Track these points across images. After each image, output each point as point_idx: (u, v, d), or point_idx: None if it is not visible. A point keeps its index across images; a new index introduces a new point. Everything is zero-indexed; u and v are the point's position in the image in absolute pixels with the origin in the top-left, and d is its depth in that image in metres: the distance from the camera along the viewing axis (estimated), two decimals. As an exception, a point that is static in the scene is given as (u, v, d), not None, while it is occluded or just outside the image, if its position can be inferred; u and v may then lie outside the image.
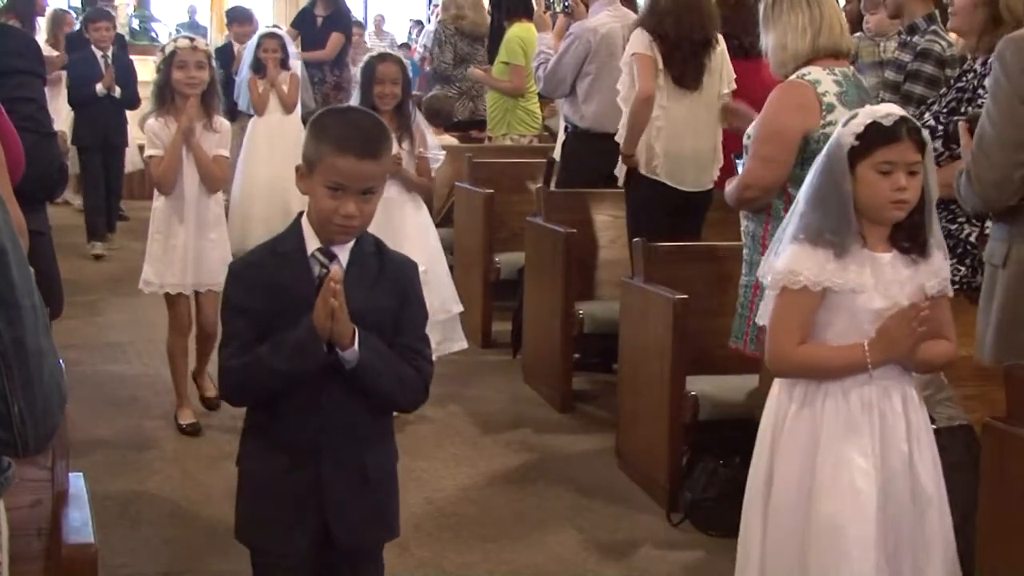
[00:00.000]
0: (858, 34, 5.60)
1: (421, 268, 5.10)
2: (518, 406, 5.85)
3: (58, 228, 6.35)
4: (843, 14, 4.26)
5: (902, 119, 2.84)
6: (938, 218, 3.96)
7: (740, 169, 4.42)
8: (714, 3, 5.56)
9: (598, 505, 4.68)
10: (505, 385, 6.17)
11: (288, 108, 8.49)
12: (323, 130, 2.60)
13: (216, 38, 13.89)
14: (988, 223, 3.91)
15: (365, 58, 5.17)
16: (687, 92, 5.43)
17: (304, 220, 2.67)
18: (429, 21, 17.07)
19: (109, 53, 9.10)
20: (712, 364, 4.60)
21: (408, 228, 5.32)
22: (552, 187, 6.39)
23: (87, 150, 9.31)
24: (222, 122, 5.11)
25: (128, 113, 9.41)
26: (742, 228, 4.31)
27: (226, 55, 10.21)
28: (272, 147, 8.29)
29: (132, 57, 10.00)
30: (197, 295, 5.22)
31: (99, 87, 8.92)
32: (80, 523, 2.55)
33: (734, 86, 5.52)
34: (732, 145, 5.03)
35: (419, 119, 5.38)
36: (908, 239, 2.90)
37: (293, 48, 8.63)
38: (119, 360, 6.47)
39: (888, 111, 2.85)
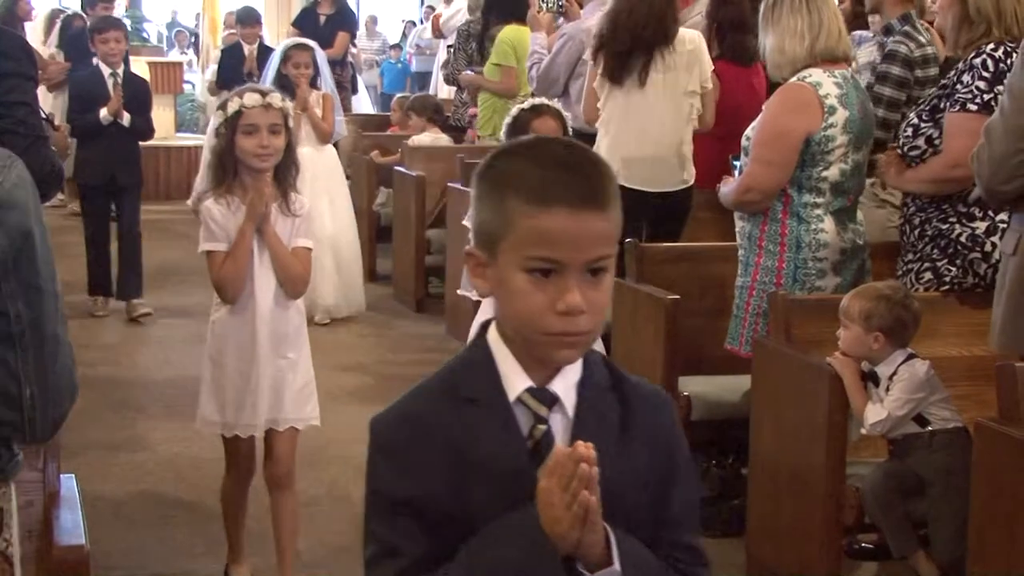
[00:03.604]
0: (859, 32, 5.61)
1: None
2: (511, 407, 5.85)
3: (53, 229, 6.34)
4: (842, 18, 4.26)
5: None
6: (929, 218, 4.02)
7: (737, 171, 4.43)
8: (673, 2, 5.52)
9: (591, 506, 4.67)
10: (498, 386, 6.16)
11: (324, 137, 7.02)
12: (507, 178, 1.61)
13: (208, 39, 13.89)
14: (977, 223, 3.93)
15: (513, 111, 3.94)
16: (636, 90, 5.40)
17: (492, 338, 1.66)
18: (422, 22, 17.07)
19: (120, 71, 7.37)
20: (704, 364, 4.60)
21: None
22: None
23: (90, 191, 7.52)
24: (302, 202, 3.75)
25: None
26: (737, 229, 4.32)
27: (236, 56, 10.18)
28: (307, 189, 6.46)
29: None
30: (268, 433, 3.78)
31: (103, 113, 7.14)
32: (72, 524, 2.55)
33: (709, 85, 5.48)
34: (733, 148, 5.03)
35: None
36: None
37: (325, 63, 7.24)
38: (111, 361, 6.46)
39: None
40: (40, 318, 1.89)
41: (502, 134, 3.93)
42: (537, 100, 4.02)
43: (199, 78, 14.61)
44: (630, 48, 5.36)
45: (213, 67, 11.97)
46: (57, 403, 1.96)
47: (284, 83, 6.44)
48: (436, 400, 1.65)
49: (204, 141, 11.32)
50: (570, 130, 3.91)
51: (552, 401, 1.63)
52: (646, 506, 1.64)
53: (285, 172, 3.72)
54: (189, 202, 3.95)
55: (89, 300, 7.50)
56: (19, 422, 1.93)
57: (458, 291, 4.15)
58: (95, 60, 9.64)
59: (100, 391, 5.92)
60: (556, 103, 4.03)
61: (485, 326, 1.68)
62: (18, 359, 1.89)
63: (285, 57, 6.64)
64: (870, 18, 5.72)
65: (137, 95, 7.39)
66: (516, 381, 1.62)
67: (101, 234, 7.47)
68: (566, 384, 1.63)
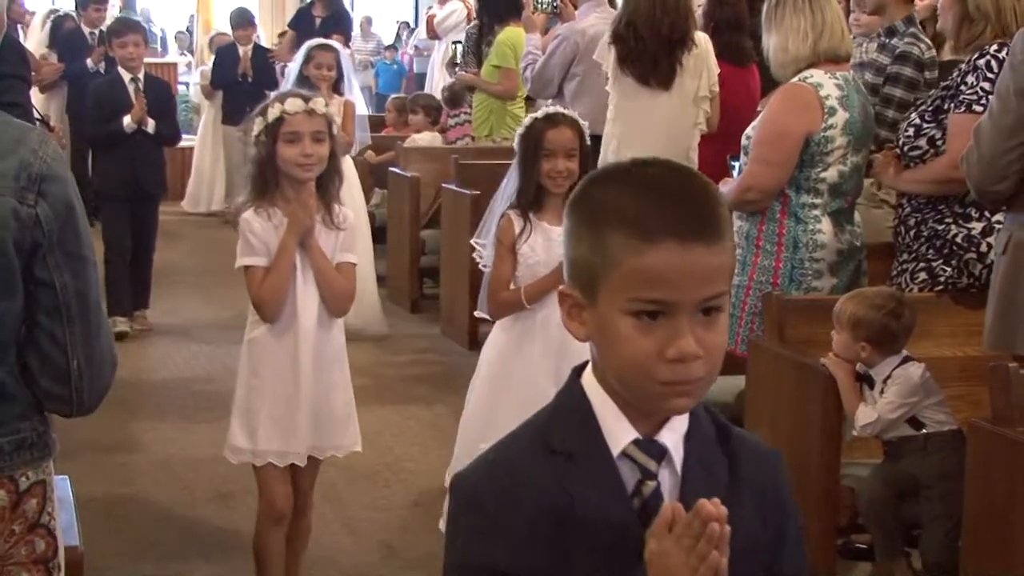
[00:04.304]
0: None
1: None
2: (505, 408, 5.85)
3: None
4: (844, 18, 4.27)
5: None
6: (925, 218, 4.02)
7: (735, 171, 4.43)
8: (689, 1, 5.54)
9: (585, 506, 4.67)
10: (492, 387, 6.15)
11: (343, 148, 6.28)
12: (604, 210, 1.43)
13: (202, 39, 13.88)
14: (973, 224, 3.94)
15: (527, 121, 3.74)
16: (656, 92, 5.41)
17: (589, 385, 1.48)
18: (416, 24, 17.06)
19: (140, 76, 6.90)
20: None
21: (585, 351, 3.35)
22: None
23: (110, 201, 6.97)
24: (346, 214, 3.51)
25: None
26: (735, 228, 4.32)
27: (231, 57, 10.20)
28: None
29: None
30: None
31: (127, 120, 6.72)
32: (65, 526, 2.54)
33: (716, 89, 5.50)
34: (728, 148, 5.04)
35: None
36: None
37: (350, 66, 6.71)
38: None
39: None
40: (85, 288, 1.93)
41: (514, 144, 3.76)
42: (552, 109, 3.81)
43: (192, 79, 14.61)
44: (663, 50, 5.36)
45: (203, 68, 11.95)
46: (101, 373, 1.99)
47: (305, 85, 5.85)
48: (527, 455, 1.46)
49: (196, 142, 11.35)
50: (587, 138, 3.73)
51: (661, 455, 1.45)
52: (756, 568, 1.49)
53: (328, 183, 3.46)
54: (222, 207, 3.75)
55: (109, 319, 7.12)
56: (67, 395, 1.96)
57: (476, 312, 4.00)
58: (88, 62, 9.73)
59: (94, 392, 5.91)
60: (571, 111, 3.82)
61: (578, 371, 1.50)
62: (65, 330, 1.92)
63: (308, 57, 6.20)
64: (851, 18, 5.72)
65: (160, 98, 7.00)
66: (620, 432, 1.44)
67: (121, 248, 6.93)
68: (674, 436, 1.46)
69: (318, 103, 3.42)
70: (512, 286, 3.69)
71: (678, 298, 1.38)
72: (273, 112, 3.36)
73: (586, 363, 1.50)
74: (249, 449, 3.44)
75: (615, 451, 1.44)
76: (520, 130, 3.73)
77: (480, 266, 3.87)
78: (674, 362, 1.38)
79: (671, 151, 5.41)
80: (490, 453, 1.51)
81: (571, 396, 1.48)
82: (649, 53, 5.35)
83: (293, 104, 3.36)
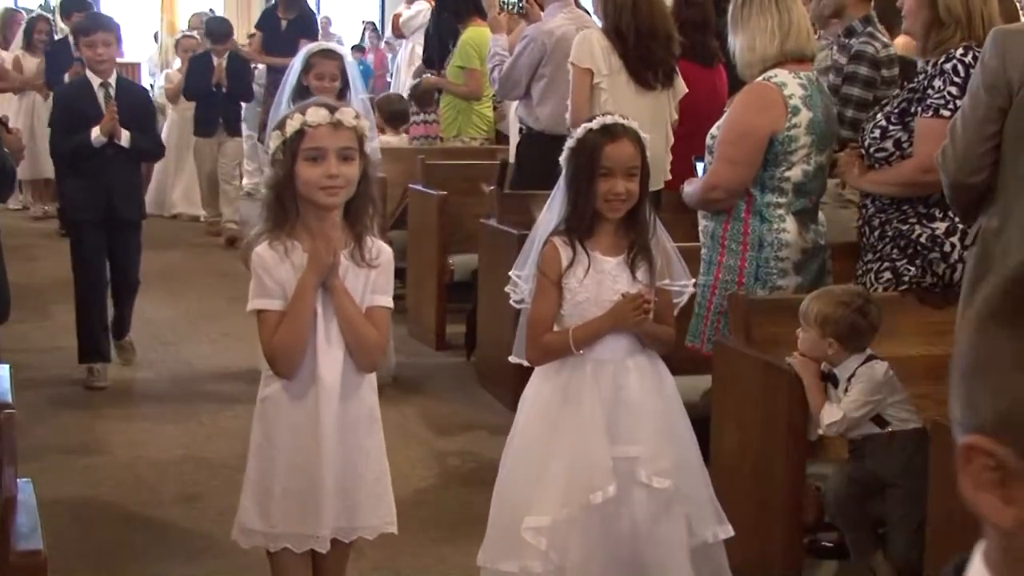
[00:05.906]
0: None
1: (665, 482, 3.14)
2: (472, 408, 5.85)
3: (13, 232, 6.30)
4: (808, 18, 4.30)
5: None
6: (890, 219, 4.05)
7: (700, 171, 4.45)
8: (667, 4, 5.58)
9: (553, 507, 4.67)
10: (459, 387, 6.16)
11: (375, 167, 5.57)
12: None
13: (166, 41, 13.79)
14: (937, 224, 3.97)
15: (578, 133, 3.20)
16: (648, 91, 5.43)
17: None
18: (383, 24, 17.04)
19: (112, 81, 5.91)
20: (667, 365, 4.61)
21: (644, 406, 3.24)
22: (506, 189, 6.39)
23: (81, 226, 6.00)
24: (381, 249, 2.98)
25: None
26: (701, 228, 4.34)
27: (204, 65, 9.96)
28: None
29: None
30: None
31: (95, 133, 5.74)
32: (28, 529, 2.53)
33: (685, 88, 5.54)
34: (694, 148, 5.05)
35: (660, 230, 3.27)
36: None
37: (357, 74, 5.83)
38: (69, 364, 6.39)
39: None
40: None
41: (562, 159, 3.26)
42: (609, 119, 3.23)
43: (158, 82, 14.52)
44: (665, 51, 5.38)
45: (167, 71, 11.79)
46: None
47: (305, 96, 4.75)
48: None
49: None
50: (648, 153, 3.26)
51: None
52: None
53: (360, 210, 2.93)
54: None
55: (82, 367, 6.08)
56: None
57: (510, 358, 3.40)
58: (66, 77, 9.54)
59: (58, 394, 5.87)
60: (632, 123, 3.27)
61: (959, 568, 1.02)
62: None
63: (307, 66, 5.25)
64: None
65: (136, 107, 6.01)
66: None
67: (95, 281, 6.02)
68: None
69: (347, 115, 2.88)
70: (555, 327, 3.21)
71: None
72: (292, 124, 2.85)
73: (964, 559, 1.04)
74: (262, 531, 2.95)
75: None
76: (570, 143, 3.23)
77: (512, 301, 3.37)
78: None
79: (654, 148, 5.42)
80: None
81: None
82: (653, 52, 5.36)
83: (316, 115, 2.84)
